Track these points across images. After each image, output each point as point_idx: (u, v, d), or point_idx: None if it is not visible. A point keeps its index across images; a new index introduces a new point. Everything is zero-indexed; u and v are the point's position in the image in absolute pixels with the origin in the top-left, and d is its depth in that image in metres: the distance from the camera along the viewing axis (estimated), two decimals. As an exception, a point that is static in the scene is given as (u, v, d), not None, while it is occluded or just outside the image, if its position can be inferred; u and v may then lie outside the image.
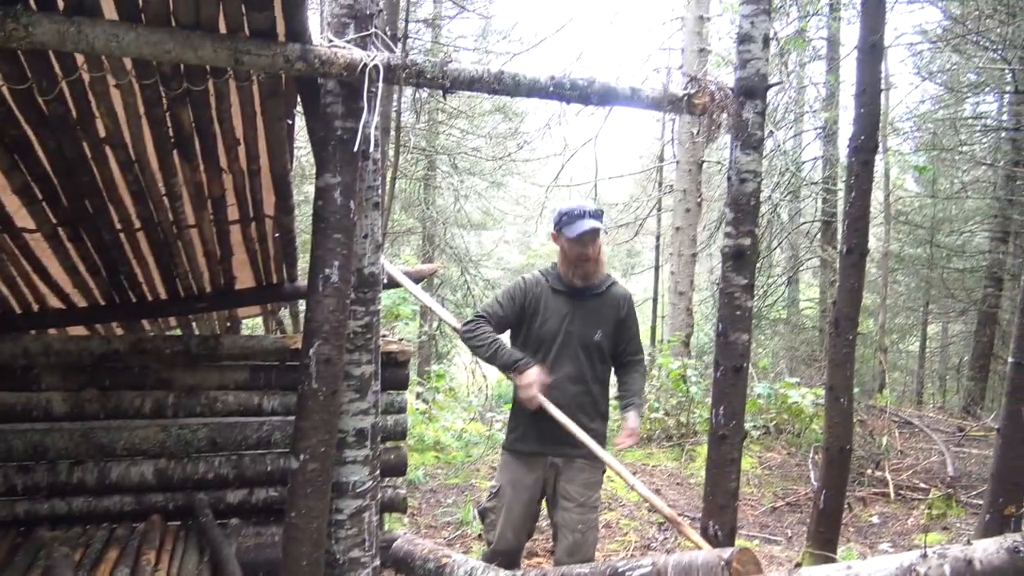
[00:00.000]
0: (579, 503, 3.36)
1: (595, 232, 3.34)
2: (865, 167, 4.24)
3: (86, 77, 2.45)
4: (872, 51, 4.22)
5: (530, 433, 3.46)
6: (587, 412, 3.42)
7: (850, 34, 13.28)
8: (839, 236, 7.65)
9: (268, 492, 4.07)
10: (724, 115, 2.92)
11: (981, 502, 5.18)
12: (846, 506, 5.30)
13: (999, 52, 9.57)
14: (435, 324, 14.75)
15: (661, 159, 13.93)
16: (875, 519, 6.07)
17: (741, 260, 3.03)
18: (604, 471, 3.50)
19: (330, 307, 2.60)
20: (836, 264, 6.40)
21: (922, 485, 6.79)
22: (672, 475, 7.32)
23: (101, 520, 3.80)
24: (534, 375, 3.32)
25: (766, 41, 3.04)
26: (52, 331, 4.25)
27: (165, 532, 3.67)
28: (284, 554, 2.64)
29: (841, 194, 11.59)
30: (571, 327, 3.41)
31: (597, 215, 3.38)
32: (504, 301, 3.51)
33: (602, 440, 3.44)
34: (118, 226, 3.39)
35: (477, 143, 15.12)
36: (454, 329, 3.81)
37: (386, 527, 4.80)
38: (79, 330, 4.42)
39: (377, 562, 2.96)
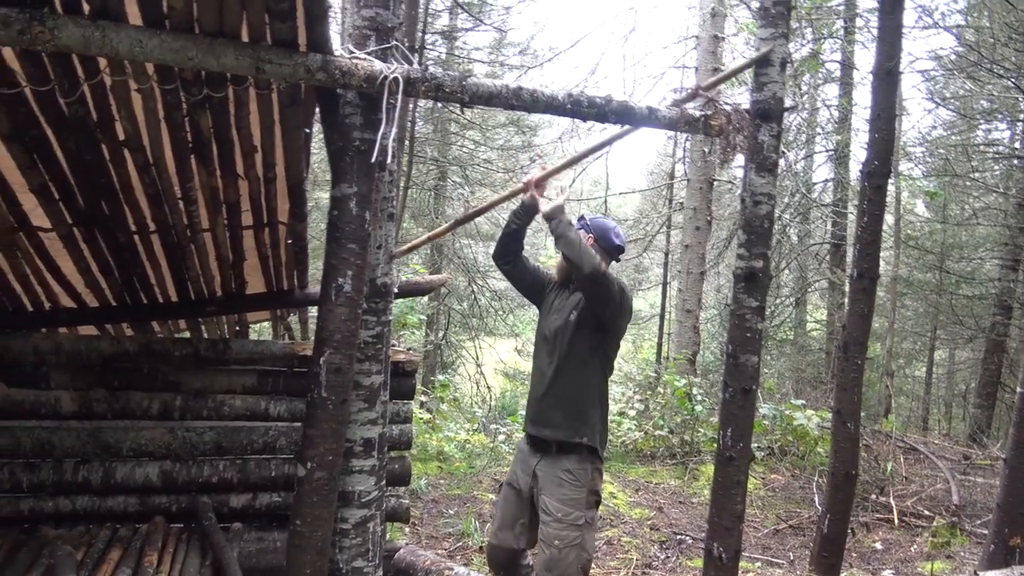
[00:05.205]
0: (556, 518, 3.37)
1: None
2: (878, 192, 4.24)
3: (108, 80, 2.47)
4: (888, 77, 4.23)
5: (528, 414, 3.67)
6: (564, 403, 3.48)
7: (864, 57, 13.35)
8: (848, 259, 7.64)
9: (272, 497, 4.07)
10: (740, 137, 2.92)
11: (986, 532, 5.15)
12: (849, 531, 5.27)
13: (1013, 80, 9.57)
14: (440, 334, 14.77)
15: (672, 176, 13.93)
16: (878, 545, 6.04)
17: (753, 282, 3.03)
18: (593, 490, 3.47)
19: (342, 316, 2.61)
20: (845, 287, 6.39)
21: (926, 512, 6.74)
22: (675, 493, 7.30)
23: (105, 520, 3.80)
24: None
25: (783, 65, 3.04)
26: (63, 330, 4.27)
27: (168, 534, 3.67)
28: (288, 562, 2.64)
29: (851, 217, 11.59)
30: (557, 314, 3.62)
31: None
32: (540, 269, 3.98)
33: (579, 447, 3.46)
34: (133, 228, 3.41)
35: (489, 155, 15.15)
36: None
37: (388, 536, 4.80)
38: (90, 330, 4.43)
39: (380, 573, 2.96)
